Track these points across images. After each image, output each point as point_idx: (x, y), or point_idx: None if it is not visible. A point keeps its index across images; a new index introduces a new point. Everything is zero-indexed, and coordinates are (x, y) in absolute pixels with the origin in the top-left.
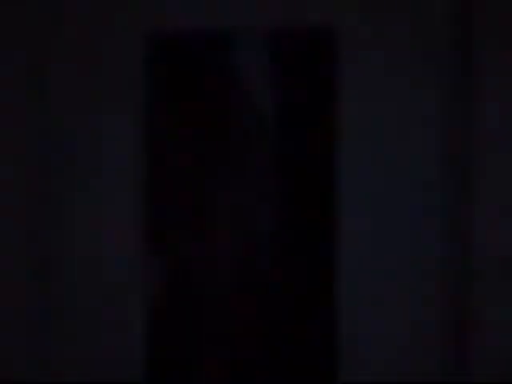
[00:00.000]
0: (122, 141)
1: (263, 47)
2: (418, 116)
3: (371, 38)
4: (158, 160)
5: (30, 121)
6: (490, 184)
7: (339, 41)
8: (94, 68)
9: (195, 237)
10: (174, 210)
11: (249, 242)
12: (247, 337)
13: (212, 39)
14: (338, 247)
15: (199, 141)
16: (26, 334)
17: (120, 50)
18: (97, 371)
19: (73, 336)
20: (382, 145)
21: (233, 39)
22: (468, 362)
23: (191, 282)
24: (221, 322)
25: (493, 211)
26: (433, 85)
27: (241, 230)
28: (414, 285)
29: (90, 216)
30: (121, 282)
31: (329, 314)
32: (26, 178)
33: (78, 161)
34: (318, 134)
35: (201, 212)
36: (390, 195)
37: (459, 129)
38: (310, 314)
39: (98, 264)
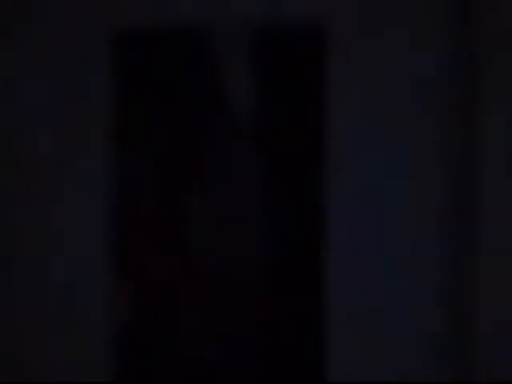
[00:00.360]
0: (89, 147)
1: (244, 45)
2: (412, 117)
3: (361, 36)
4: (128, 165)
5: None
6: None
7: (327, 39)
8: (59, 66)
9: (168, 249)
10: (144, 220)
11: (232, 254)
12: (227, 356)
13: (187, 36)
14: (328, 250)
15: (173, 143)
16: None
17: (86, 46)
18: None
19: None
20: (372, 147)
21: (211, 37)
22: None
23: (163, 298)
24: (196, 340)
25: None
26: (430, 83)
27: (220, 241)
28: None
29: (51, 229)
30: (86, 298)
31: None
32: None
33: (39, 168)
34: (306, 137)
35: (175, 222)
36: (385, 197)
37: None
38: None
39: (59, 282)
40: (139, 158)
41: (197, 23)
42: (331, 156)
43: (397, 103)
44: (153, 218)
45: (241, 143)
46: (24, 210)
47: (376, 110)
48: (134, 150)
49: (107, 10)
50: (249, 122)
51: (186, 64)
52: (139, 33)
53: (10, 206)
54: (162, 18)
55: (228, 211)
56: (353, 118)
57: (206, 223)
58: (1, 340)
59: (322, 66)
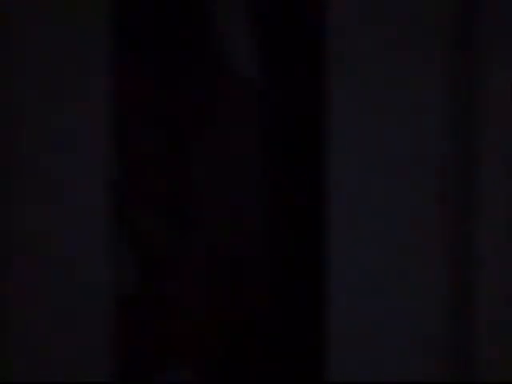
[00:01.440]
0: (86, 111)
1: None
2: (415, 80)
3: None
4: (127, 128)
5: None
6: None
7: None
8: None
9: (169, 220)
10: (146, 190)
11: (232, 226)
12: (226, 328)
13: None
14: (328, 234)
15: (173, 108)
16: None
17: None
18: (57, 361)
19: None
20: (372, 109)
21: None
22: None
23: (164, 270)
24: (195, 313)
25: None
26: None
27: (222, 212)
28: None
29: (51, 201)
30: (87, 271)
31: (316, 308)
32: None
33: (34, 132)
34: (305, 98)
35: (176, 192)
36: (387, 179)
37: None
38: (296, 306)
39: (61, 251)
40: (141, 116)
41: None
42: (333, 117)
43: (405, 64)
44: (158, 185)
45: (237, 105)
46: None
47: (382, 71)
48: (138, 112)
49: None
50: (248, 80)
51: (185, 18)
52: None
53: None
54: None
55: (230, 181)
56: (356, 77)
57: (208, 191)
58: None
59: (322, 25)
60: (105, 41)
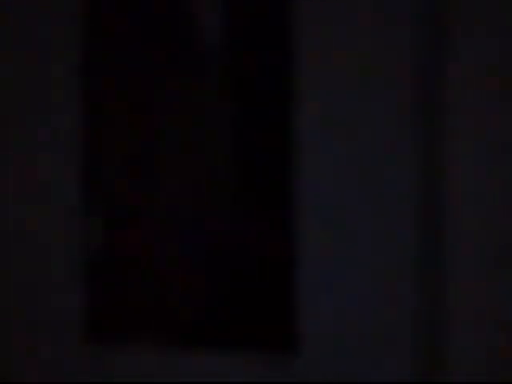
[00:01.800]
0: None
1: None
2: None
3: None
4: (96, 93)
5: None
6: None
7: None
8: None
9: (139, 184)
10: (116, 153)
11: (199, 190)
12: (194, 295)
13: None
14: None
15: (142, 72)
16: None
17: None
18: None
19: None
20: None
21: None
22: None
23: (134, 234)
24: (166, 278)
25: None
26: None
27: (190, 178)
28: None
29: (21, 163)
30: (55, 233)
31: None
32: None
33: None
34: (271, 72)
35: (146, 156)
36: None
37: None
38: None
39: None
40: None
41: None
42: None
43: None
44: (126, 147)
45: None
46: None
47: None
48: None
49: None
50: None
51: None
52: None
53: None
54: None
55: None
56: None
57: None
58: None
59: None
60: (77, 39)
